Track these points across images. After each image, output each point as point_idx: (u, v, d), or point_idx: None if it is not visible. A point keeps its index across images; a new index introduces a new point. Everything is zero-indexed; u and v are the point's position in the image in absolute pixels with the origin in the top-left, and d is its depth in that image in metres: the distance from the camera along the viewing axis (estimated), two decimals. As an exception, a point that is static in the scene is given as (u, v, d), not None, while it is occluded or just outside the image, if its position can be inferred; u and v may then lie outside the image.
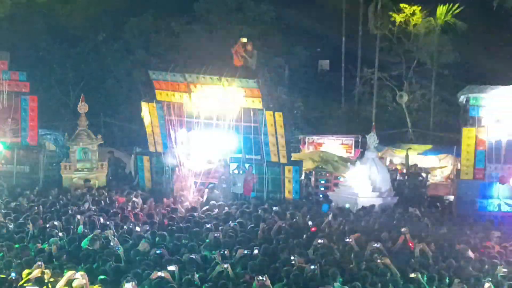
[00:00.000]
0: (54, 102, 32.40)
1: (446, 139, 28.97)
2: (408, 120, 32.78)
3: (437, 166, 26.56)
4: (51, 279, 10.55)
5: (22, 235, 13.38)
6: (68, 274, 10.22)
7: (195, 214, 16.93)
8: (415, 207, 18.72)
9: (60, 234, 13.60)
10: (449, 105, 31.24)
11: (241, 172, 21.41)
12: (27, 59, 30.92)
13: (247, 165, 21.56)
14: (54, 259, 12.08)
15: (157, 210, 17.48)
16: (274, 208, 17.55)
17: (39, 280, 10.27)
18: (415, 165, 25.42)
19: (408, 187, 22.78)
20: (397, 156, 27.51)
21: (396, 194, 20.76)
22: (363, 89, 34.96)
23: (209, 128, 21.64)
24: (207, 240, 13.75)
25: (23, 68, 24.44)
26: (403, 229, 14.45)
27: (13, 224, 14.77)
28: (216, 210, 17.63)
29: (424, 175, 23.89)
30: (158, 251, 12.39)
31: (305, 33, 35.13)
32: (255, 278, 10.39)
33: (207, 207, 18.19)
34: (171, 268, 10.93)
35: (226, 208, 17.74)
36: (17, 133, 23.49)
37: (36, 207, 16.79)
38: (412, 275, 11.11)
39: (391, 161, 27.23)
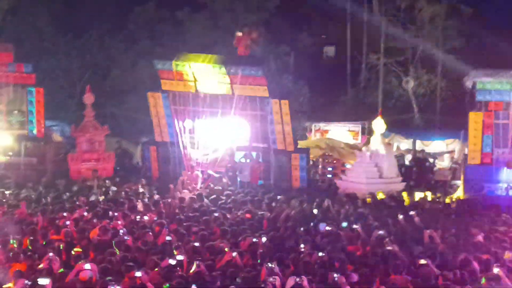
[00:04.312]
0: (60, 93, 32.44)
1: (453, 124, 28.87)
2: (415, 105, 32.71)
3: (444, 151, 26.53)
4: (61, 271, 10.62)
5: (33, 227, 13.43)
6: (78, 265, 10.27)
7: (203, 203, 16.96)
8: (422, 192, 18.75)
9: (68, 223, 13.63)
10: (456, 90, 31.12)
11: (247, 160, 21.41)
12: (32, 51, 30.97)
13: (253, 154, 21.56)
14: (64, 250, 12.15)
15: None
16: (279, 196, 17.51)
17: (49, 272, 10.32)
18: (422, 150, 25.39)
19: (415, 172, 22.75)
20: (404, 142, 27.48)
21: (403, 180, 20.73)
22: (369, 75, 34.86)
23: (214, 117, 21.64)
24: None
25: (28, 60, 24.48)
26: (411, 213, 14.51)
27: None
28: (224, 199, 17.66)
29: (431, 160, 23.85)
30: (167, 239, 12.42)
31: (310, 20, 35.00)
32: (264, 265, 10.41)
33: (214, 196, 18.21)
34: (180, 257, 10.96)
35: (232, 196, 17.76)
36: (24, 125, 23.57)
37: (44, 199, 16.86)
38: (422, 261, 11.07)
39: (398, 147, 27.21)
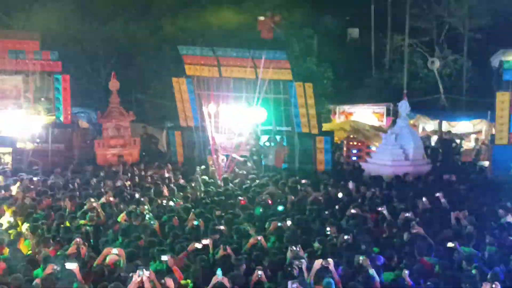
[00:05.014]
0: (86, 80, 32.69)
1: (479, 104, 28.52)
2: (440, 86, 32.33)
3: (471, 132, 26.28)
4: (89, 255, 10.77)
5: (61, 213, 13.63)
6: (106, 250, 10.41)
7: (228, 187, 17.04)
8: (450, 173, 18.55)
9: (95, 204, 13.77)
10: (482, 69, 30.69)
11: (272, 144, 21.42)
12: (58, 38, 31.19)
13: (278, 137, 21.56)
14: (91, 235, 12.33)
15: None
16: (303, 181, 17.47)
17: (76, 256, 10.47)
18: (449, 131, 25.16)
19: (442, 154, 22.54)
20: (430, 123, 27.25)
21: (429, 162, 20.56)
22: (393, 56, 34.52)
23: (239, 101, 21.65)
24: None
25: (54, 47, 24.70)
26: (438, 194, 14.42)
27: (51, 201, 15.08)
28: (248, 182, 17.70)
29: (457, 141, 23.62)
30: (195, 223, 12.49)
31: (333, 1, 34.67)
32: (289, 248, 10.44)
33: (239, 179, 18.27)
34: (206, 241, 11.04)
35: (257, 180, 17.79)
36: (51, 112, 23.85)
37: (71, 184, 17.08)
38: (450, 244, 10.98)
39: (423, 129, 27.00)
